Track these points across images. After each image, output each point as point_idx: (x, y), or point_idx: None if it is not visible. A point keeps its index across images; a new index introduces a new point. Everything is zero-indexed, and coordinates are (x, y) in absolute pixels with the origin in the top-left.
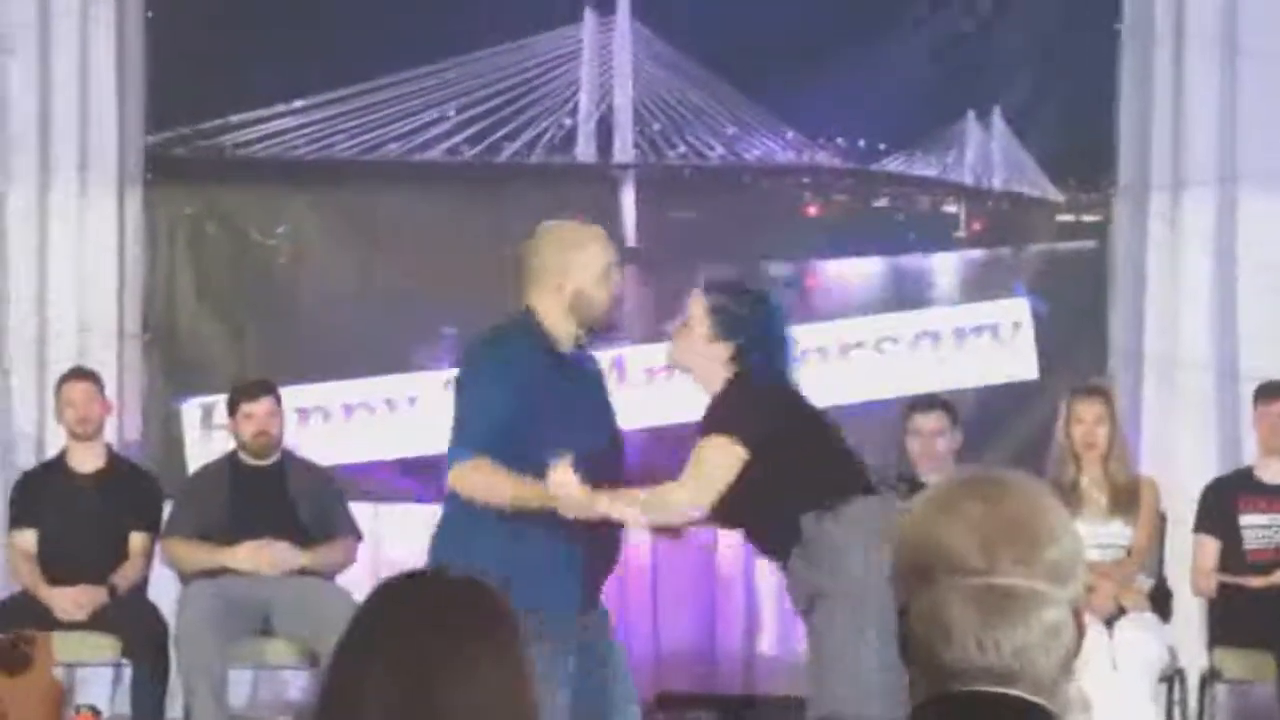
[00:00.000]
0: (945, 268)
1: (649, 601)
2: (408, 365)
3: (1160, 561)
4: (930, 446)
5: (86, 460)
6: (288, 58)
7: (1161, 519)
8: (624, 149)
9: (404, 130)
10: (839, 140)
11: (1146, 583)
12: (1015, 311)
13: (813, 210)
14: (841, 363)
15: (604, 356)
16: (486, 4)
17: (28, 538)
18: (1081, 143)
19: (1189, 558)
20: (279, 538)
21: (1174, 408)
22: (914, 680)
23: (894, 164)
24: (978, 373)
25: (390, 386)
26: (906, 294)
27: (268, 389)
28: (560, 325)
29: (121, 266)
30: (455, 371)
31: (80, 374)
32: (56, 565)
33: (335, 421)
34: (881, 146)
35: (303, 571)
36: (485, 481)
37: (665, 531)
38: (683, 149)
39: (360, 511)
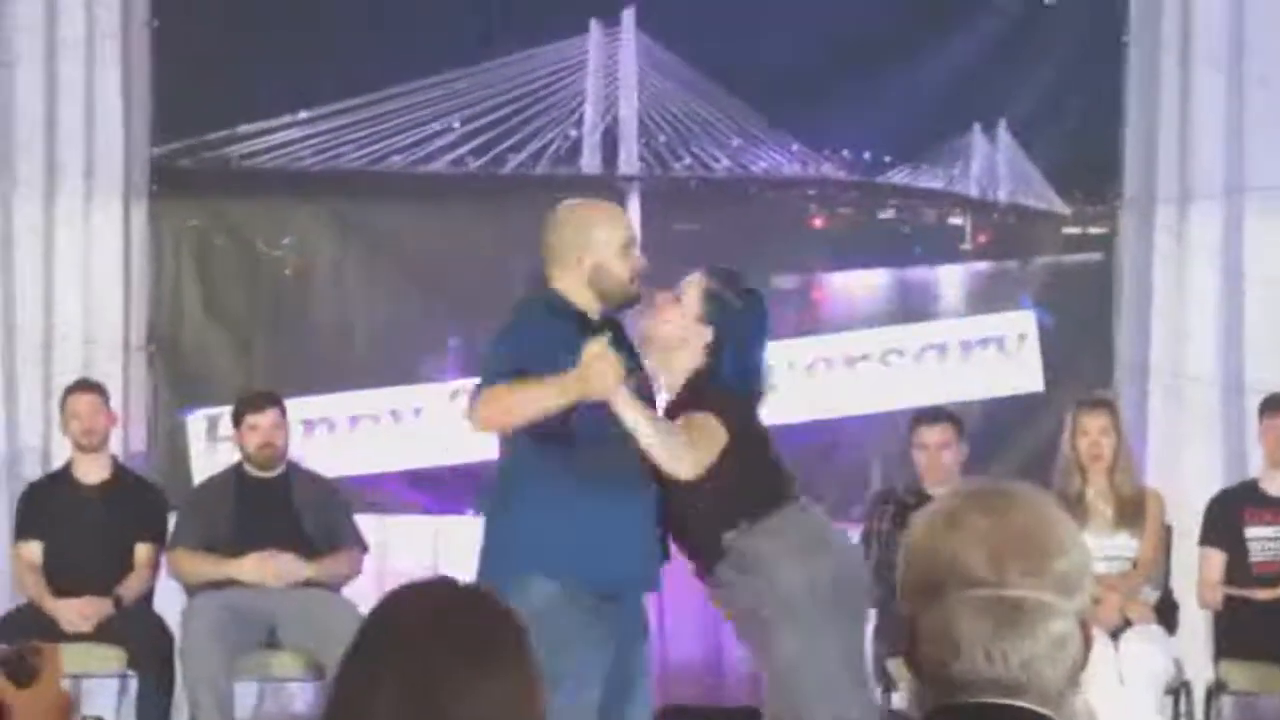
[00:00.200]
0: (951, 280)
1: (656, 614)
2: (413, 377)
3: (1166, 574)
4: (936, 459)
5: (92, 472)
6: (293, 69)
7: (1167, 531)
8: (629, 161)
9: (409, 141)
10: (845, 152)
11: (1152, 595)
12: (1021, 324)
13: (818, 222)
14: (847, 375)
15: None
16: (492, 15)
17: (33, 549)
18: (1087, 155)
19: (1195, 570)
20: (284, 549)
21: (1180, 420)
22: (920, 692)
23: (900, 176)
24: (984, 385)
25: (396, 398)
26: (912, 306)
27: (273, 400)
28: (582, 300)
29: (127, 278)
30: (462, 383)
31: (86, 386)
32: (62, 577)
33: (340, 433)
34: (887, 159)
35: (308, 583)
36: (504, 402)
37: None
38: (688, 161)
39: (366, 523)
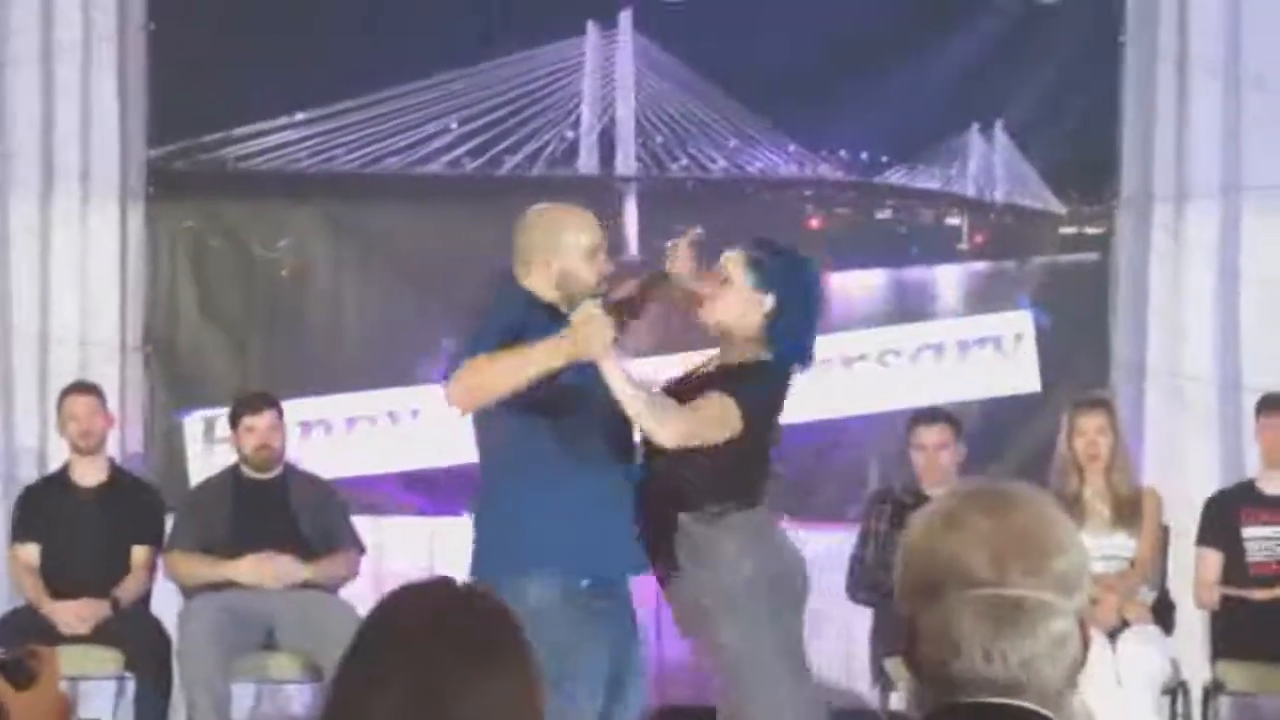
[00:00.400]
0: (948, 280)
1: (652, 613)
2: (410, 378)
3: (1163, 574)
4: (934, 459)
5: (89, 474)
6: (289, 71)
7: (1164, 531)
8: (626, 162)
9: (406, 143)
10: (841, 153)
11: (1149, 595)
12: (1018, 324)
13: (815, 223)
14: (844, 375)
15: None
16: (488, 17)
17: (30, 551)
18: (1084, 155)
19: (1192, 570)
20: (281, 551)
21: (1177, 420)
22: (919, 692)
23: (897, 176)
24: (981, 385)
25: (392, 399)
26: (909, 306)
27: (269, 402)
28: (549, 299)
29: (123, 280)
30: None
31: (82, 388)
32: (59, 579)
33: (337, 434)
34: (884, 159)
35: (305, 585)
36: (489, 370)
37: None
38: (685, 162)
39: (362, 524)
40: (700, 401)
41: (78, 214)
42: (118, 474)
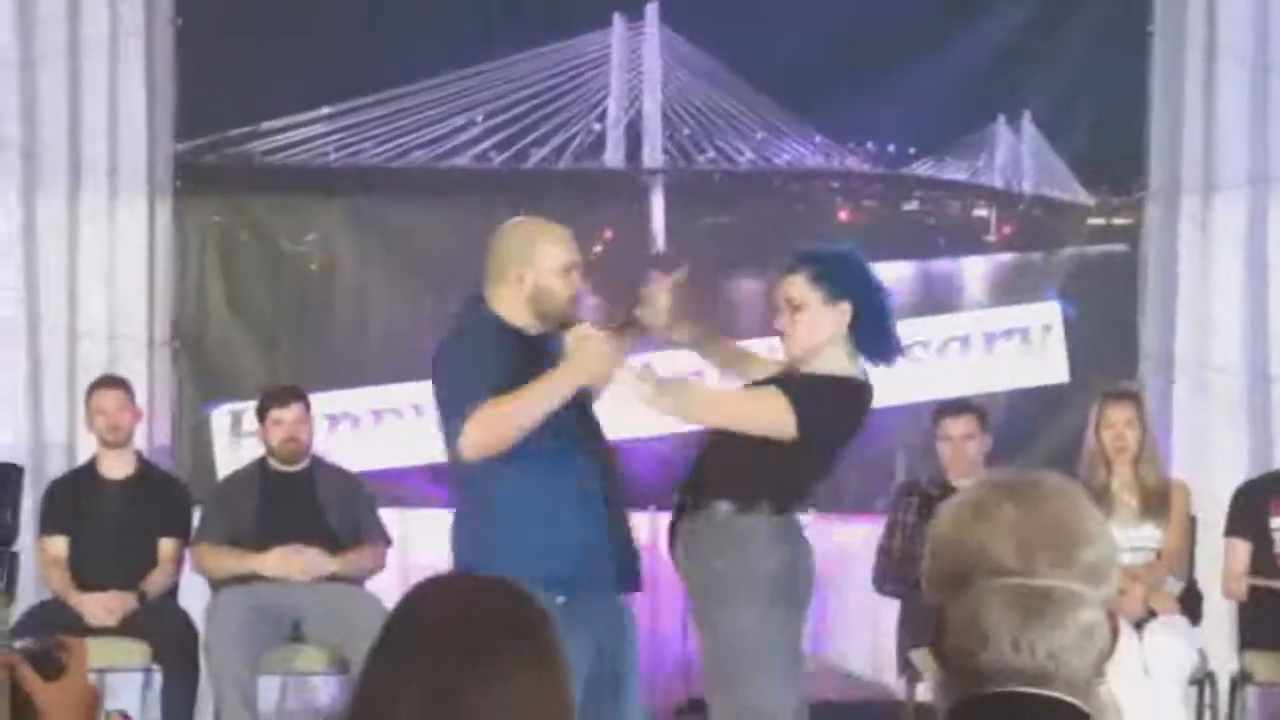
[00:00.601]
0: (975, 272)
1: (679, 608)
2: None
3: (1191, 564)
4: (961, 450)
5: (116, 467)
6: (316, 64)
7: (1192, 522)
8: (653, 154)
9: (432, 136)
10: (869, 144)
11: (1177, 586)
12: (1045, 315)
13: (843, 215)
14: (871, 367)
15: (632, 362)
16: (515, 10)
17: (58, 544)
18: (1112, 146)
19: (1219, 561)
20: (309, 544)
21: (1205, 411)
22: (947, 682)
23: (924, 168)
24: (1008, 377)
25: (419, 392)
26: (936, 298)
27: (297, 395)
28: (518, 317)
29: (151, 274)
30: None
31: (110, 382)
32: (87, 571)
33: (364, 427)
34: (911, 150)
35: (332, 577)
36: (497, 417)
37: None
38: (712, 154)
39: (389, 517)
40: (752, 389)
41: (105, 209)
42: (145, 467)
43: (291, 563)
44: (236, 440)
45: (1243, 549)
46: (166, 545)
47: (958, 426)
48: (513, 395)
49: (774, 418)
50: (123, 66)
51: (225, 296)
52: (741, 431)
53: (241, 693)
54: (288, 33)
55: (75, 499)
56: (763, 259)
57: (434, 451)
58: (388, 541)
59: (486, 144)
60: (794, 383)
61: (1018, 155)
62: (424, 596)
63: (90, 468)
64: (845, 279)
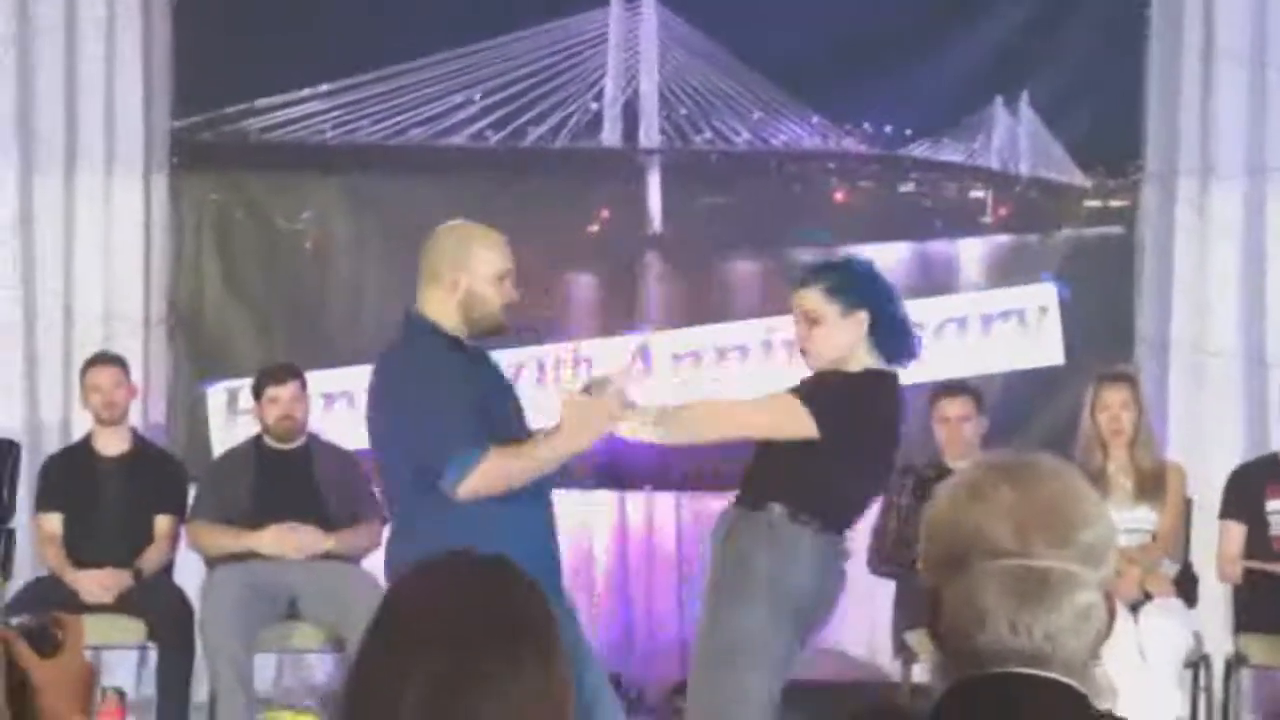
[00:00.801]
0: (972, 254)
1: (674, 585)
2: None
3: (1186, 547)
4: (957, 432)
5: (112, 444)
6: (312, 42)
7: (1187, 505)
8: (650, 134)
9: (429, 115)
10: (865, 126)
11: (1172, 568)
12: (1042, 297)
13: (839, 196)
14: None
15: (628, 343)
16: None
17: (54, 521)
18: (1109, 128)
19: (1215, 543)
20: (304, 522)
21: (1200, 394)
22: (943, 664)
23: (921, 149)
24: (1004, 359)
25: None
26: (933, 280)
27: (293, 373)
28: (452, 324)
29: (147, 252)
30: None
31: (106, 359)
32: (82, 548)
33: (360, 406)
34: (908, 132)
35: (328, 555)
36: (501, 474)
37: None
38: (709, 134)
39: None
40: (764, 397)
41: (102, 186)
42: (140, 444)
43: (287, 540)
44: (232, 418)
45: (1238, 532)
46: (162, 523)
47: (954, 408)
48: (518, 454)
49: (788, 419)
50: (119, 44)
51: (221, 274)
52: (764, 438)
53: (237, 670)
54: (285, 10)
55: (71, 476)
56: (759, 240)
57: None
58: (383, 520)
59: (483, 123)
60: (808, 384)
61: (1015, 137)
62: (429, 574)
63: (86, 445)
64: (860, 289)
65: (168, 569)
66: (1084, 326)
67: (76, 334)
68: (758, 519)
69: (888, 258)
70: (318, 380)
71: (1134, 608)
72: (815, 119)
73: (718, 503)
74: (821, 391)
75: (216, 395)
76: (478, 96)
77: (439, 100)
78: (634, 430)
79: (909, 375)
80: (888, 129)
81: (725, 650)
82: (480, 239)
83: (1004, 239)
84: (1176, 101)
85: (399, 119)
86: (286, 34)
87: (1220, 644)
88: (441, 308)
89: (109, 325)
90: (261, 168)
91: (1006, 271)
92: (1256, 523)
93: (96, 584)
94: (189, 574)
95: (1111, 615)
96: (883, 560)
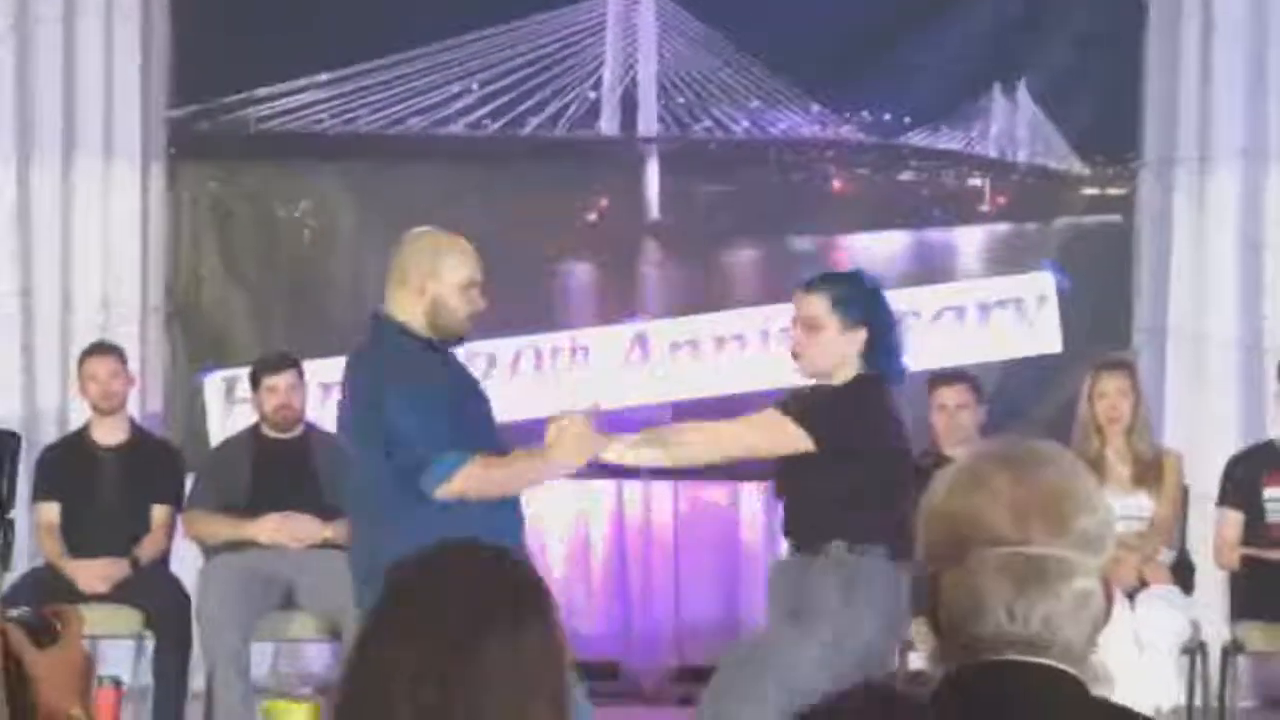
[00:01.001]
0: (970, 242)
1: (671, 573)
2: None
3: (1183, 535)
4: (954, 419)
5: (109, 434)
6: (311, 31)
7: (1184, 492)
8: (648, 123)
9: (427, 104)
10: (864, 114)
11: (1169, 555)
12: (1040, 285)
13: (837, 184)
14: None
15: (626, 331)
16: None
17: (51, 510)
18: (1107, 116)
19: (1212, 531)
20: (302, 511)
21: (1198, 382)
22: (941, 651)
23: (919, 138)
24: (1002, 347)
25: None
26: (931, 268)
27: (290, 362)
28: (417, 326)
29: (145, 240)
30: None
31: (103, 348)
32: (79, 538)
33: None
34: (906, 120)
35: (325, 545)
36: (485, 483)
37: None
38: (707, 123)
39: None
40: (750, 416)
41: (99, 176)
42: (138, 433)
43: (284, 530)
44: (230, 407)
45: (1235, 519)
46: (159, 512)
47: (952, 396)
48: (501, 465)
49: (780, 434)
50: (117, 32)
51: (219, 263)
52: (758, 456)
53: (234, 659)
54: (283, 0)
55: (68, 466)
56: (757, 228)
57: None
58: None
59: (482, 111)
60: (797, 405)
61: (1013, 125)
62: (428, 562)
63: (83, 434)
64: (863, 305)
65: (165, 559)
66: (1082, 314)
67: (74, 323)
68: (821, 561)
69: (886, 246)
70: (315, 369)
71: (1131, 595)
72: (814, 107)
73: (715, 491)
74: (814, 409)
75: (214, 384)
76: (476, 85)
77: (437, 89)
78: (621, 455)
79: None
80: (886, 117)
81: (762, 659)
82: (450, 248)
83: (1002, 227)
84: (1175, 89)
85: (397, 108)
86: (284, 23)
87: (1217, 631)
88: (409, 311)
89: (107, 314)
90: (260, 157)
91: (1004, 259)
92: (1253, 510)
93: (93, 574)
94: (186, 564)
95: (1109, 602)
96: None
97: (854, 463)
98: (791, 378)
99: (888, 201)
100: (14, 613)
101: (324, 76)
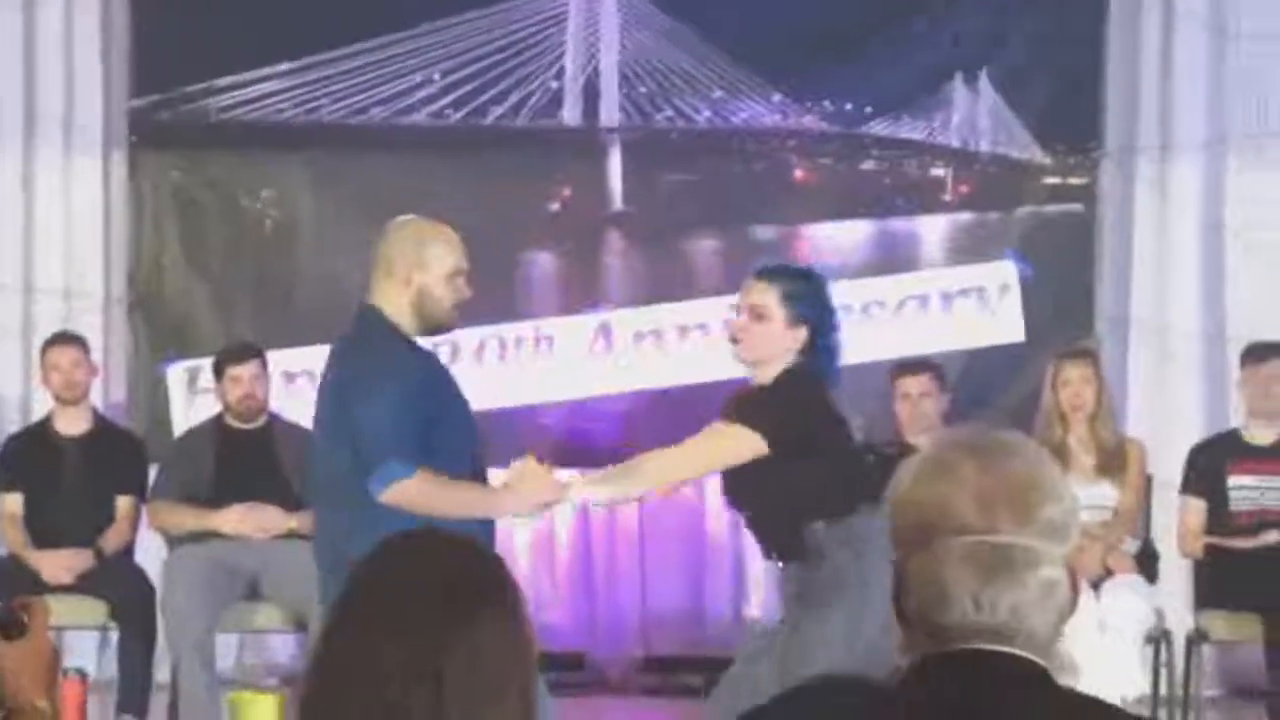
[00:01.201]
0: (932, 231)
1: (636, 563)
2: None
3: (1146, 524)
4: (918, 408)
5: (72, 424)
6: (273, 20)
7: (1148, 481)
8: (610, 112)
9: (390, 93)
10: (826, 103)
11: (1133, 545)
12: (1002, 274)
13: (800, 174)
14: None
15: (589, 321)
16: None
17: (14, 501)
18: (1069, 105)
19: (1175, 520)
20: (266, 501)
21: (1161, 370)
22: (908, 640)
23: (881, 127)
24: (965, 336)
25: None
26: (894, 257)
27: (253, 352)
28: (404, 320)
29: (107, 230)
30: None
31: (66, 338)
32: (43, 528)
33: None
34: (868, 110)
35: (290, 535)
36: (434, 493)
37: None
38: (669, 112)
39: None
40: (695, 438)
41: (60, 165)
42: (101, 424)
43: (249, 520)
44: (193, 397)
45: (1198, 507)
46: (123, 503)
47: (915, 385)
48: (453, 488)
49: (735, 443)
50: (78, 22)
51: (181, 253)
52: (715, 468)
53: (199, 650)
54: None
55: (31, 456)
56: (720, 218)
57: None
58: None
59: (444, 101)
60: (735, 409)
61: (974, 114)
62: (395, 551)
63: (46, 424)
64: (812, 304)
65: (129, 549)
66: (1044, 303)
67: (36, 312)
68: (808, 548)
69: (849, 235)
70: (279, 359)
71: (1095, 584)
72: (776, 97)
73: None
74: (753, 408)
75: (177, 374)
76: (438, 75)
77: (400, 79)
78: (581, 492)
79: (871, 353)
80: (848, 107)
81: (799, 652)
82: (436, 237)
83: (964, 216)
84: (1136, 77)
85: (360, 97)
86: (245, 13)
87: (1181, 620)
88: (394, 303)
89: (69, 304)
90: (222, 146)
91: (967, 249)
92: (1217, 499)
93: (58, 565)
94: (150, 554)
95: (1075, 592)
96: None
97: (809, 456)
98: None
99: (850, 191)
100: None
101: (286, 65)
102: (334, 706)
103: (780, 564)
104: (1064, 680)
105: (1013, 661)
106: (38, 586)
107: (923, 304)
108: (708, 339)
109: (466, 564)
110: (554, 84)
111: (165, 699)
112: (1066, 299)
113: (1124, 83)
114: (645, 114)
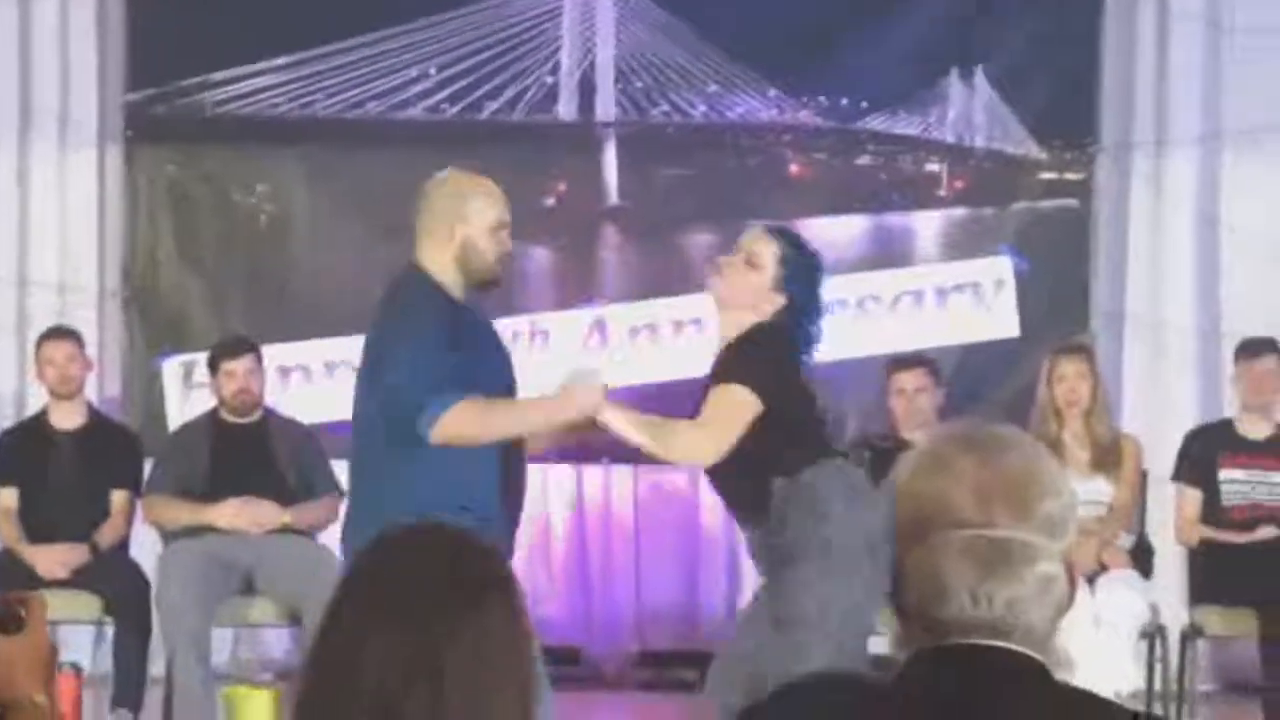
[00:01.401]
0: (927, 226)
1: (632, 557)
2: None
3: (1141, 518)
4: (913, 403)
5: (67, 418)
6: (268, 15)
7: (1143, 476)
8: (606, 107)
9: (385, 88)
10: (821, 98)
11: (1128, 540)
12: (997, 270)
13: (795, 168)
14: (824, 321)
15: (584, 315)
16: None
17: (9, 495)
18: (1064, 101)
19: (1170, 515)
20: (261, 495)
21: (1156, 365)
22: (905, 634)
23: (877, 122)
24: (960, 331)
25: None
26: (889, 252)
27: (248, 347)
28: (448, 276)
29: (102, 225)
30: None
31: (61, 333)
32: (37, 523)
33: (317, 379)
34: (864, 105)
35: (285, 529)
36: (484, 416)
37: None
38: (665, 107)
39: (341, 469)
40: (707, 410)
41: (55, 159)
42: (96, 418)
43: (243, 514)
44: (188, 392)
45: (1194, 495)
46: (118, 497)
47: (910, 380)
48: (503, 405)
49: (745, 412)
50: (73, 16)
51: (176, 247)
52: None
53: (194, 645)
54: None
55: (25, 450)
56: (716, 212)
57: None
58: (340, 493)
59: (440, 96)
60: (725, 369)
61: (970, 110)
62: (394, 544)
63: (40, 419)
64: (802, 284)
65: (124, 544)
66: (1039, 298)
67: (31, 306)
68: (771, 510)
69: (844, 230)
70: (274, 353)
71: (1090, 579)
72: (771, 92)
73: (675, 475)
74: (731, 365)
75: (172, 369)
76: (434, 70)
77: (395, 73)
78: (616, 420)
79: (866, 348)
80: (844, 102)
81: (799, 620)
82: (476, 190)
83: (959, 212)
84: (1132, 73)
85: (355, 92)
86: (241, 7)
87: (1175, 615)
88: (438, 260)
89: (64, 298)
90: (217, 140)
91: (962, 244)
92: (1210, 490)
93: (52, 559)
94: (145, 549)
95: (1072, 587)
96: None
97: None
98: None
99: (845, 186)
100: None
101: (281, 60)
102: (333, 701)
103: (745, 528)
104: (1060, 675)
105: (1010, 656)
106: (32, 581)
107: (918, 299)
108: (703, 333)
109: (465, 557)
110: (549, 79)
111: (160, 694)
112: (1061, 294)
113: (1119, 78)
114: (641, 109)
